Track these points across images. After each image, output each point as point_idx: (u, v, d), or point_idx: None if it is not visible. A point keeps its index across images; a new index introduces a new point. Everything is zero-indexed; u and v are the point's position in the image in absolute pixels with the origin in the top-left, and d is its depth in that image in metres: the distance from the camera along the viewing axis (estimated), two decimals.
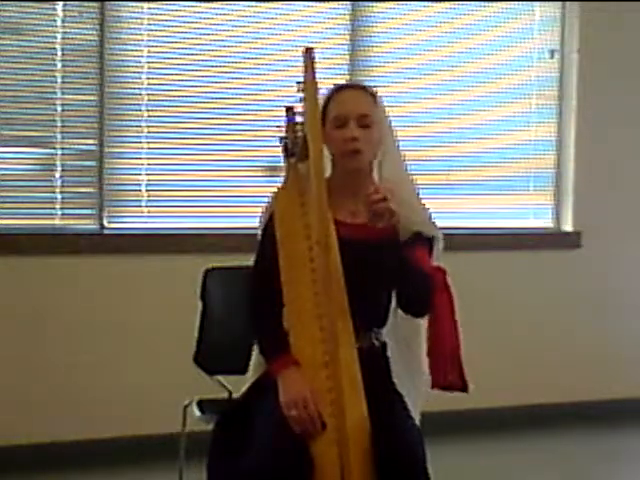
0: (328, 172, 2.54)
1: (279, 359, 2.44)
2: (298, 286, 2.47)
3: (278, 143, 2.56)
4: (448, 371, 2.58)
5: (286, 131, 2.53)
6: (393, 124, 2.60)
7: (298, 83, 2.46)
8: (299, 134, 2.50)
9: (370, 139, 2.50)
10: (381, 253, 2.42)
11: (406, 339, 2.63)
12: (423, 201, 2.59)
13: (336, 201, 2.47)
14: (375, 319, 2.54)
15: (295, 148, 2.52)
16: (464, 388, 2.60)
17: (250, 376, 2.65)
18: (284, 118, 2.53)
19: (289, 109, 2.52)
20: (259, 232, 2.62)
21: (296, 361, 2.42)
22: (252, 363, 2.65)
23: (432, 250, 2.57)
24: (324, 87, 2.53)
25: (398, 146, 2.60)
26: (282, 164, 2.59)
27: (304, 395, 2.36)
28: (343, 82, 2.66)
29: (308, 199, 2.50)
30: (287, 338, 2.46)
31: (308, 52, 2.44)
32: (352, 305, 2.44)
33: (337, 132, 2.48)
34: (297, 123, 2.51)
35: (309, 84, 2.43)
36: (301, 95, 2.47)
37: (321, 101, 2.51)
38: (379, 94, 2.58)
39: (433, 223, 2.58)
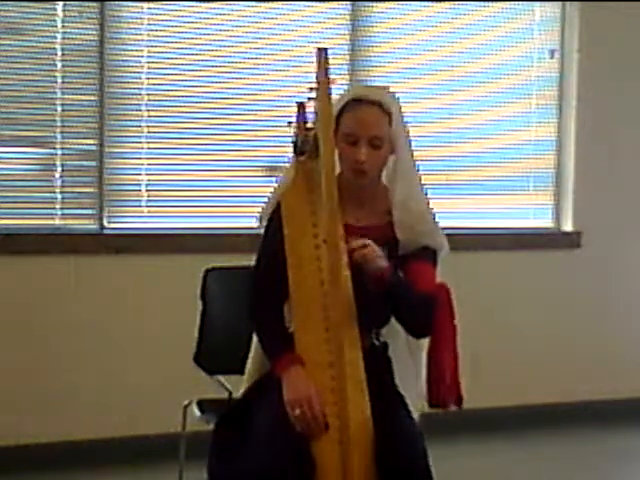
0: (337, 170, 2.52)
1: (283, 358, 2.43)
2: (304, 285, 2.46)
3: (289, 141, 2.54)
4: (447, 395, 2.60)
5: (297, 129, 2.52)
6: (409, 132, 2.59)
7: (310, 82, 2.45)
8: (310, 133, 2.50)
9: (378, 159, 2.51)
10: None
11: (406, 339, 2.63)
12: (435, 214, 2.59)
13: (341, 204, 2.46)
14: (376, 319, 2.54)
15: (305, 146, 2.51)
16: (459, 403, 2.62)
17: (247, 376, 2.64)
18: (294, 115, 2.52)
19: (301, 106, 2.52)
20: (261, 228, 2.61)
21: (300, 360, 2.42)
22: (249, 363, 2.65)
23: (436, 263, 2.57)
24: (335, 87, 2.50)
25: (412, 155, 2.59)
26: (289, 161, 2.59)
27: (308, 394, 2.35)
28: (361, 86, 2.62)
29: (316, 198, 2.50)
30: (291, 336, 2.46)
31: (321, 52, 2.43)
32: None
33: (348, 148, 2.49)
34: (308, 121, 2.51)
35: (322, 83, 2.42)
36: (312, 94, 2.45)
37: (336, 104, 2.49)
38: (397, 104, 2.55)
39: (441, 236, 2.58)
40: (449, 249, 2.60)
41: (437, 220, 2.59)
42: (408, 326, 2.53)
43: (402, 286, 2.46)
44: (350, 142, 2.49)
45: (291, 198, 2.55)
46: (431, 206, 2.60)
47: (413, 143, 2.59)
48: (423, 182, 2.61)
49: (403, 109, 2.57)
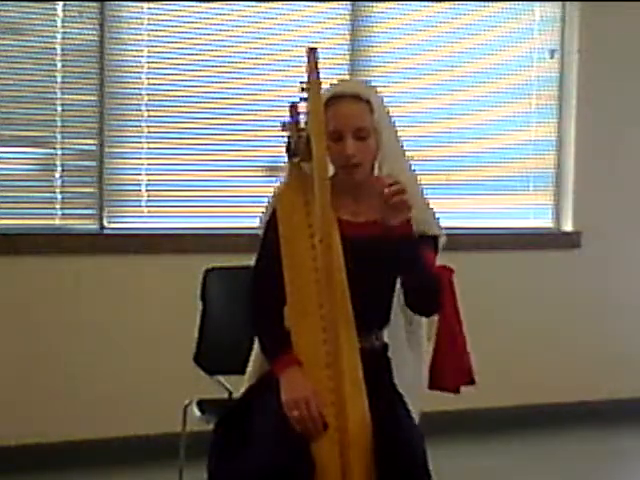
0: (331, 171, 2.53)
1: (281, 358, 2.44)
2: (301, 286, 2.46)
3: (283, 142, 2.55)
4: (459, 371, 2.60)
5: (289, 130, 2.52)
6: (395, 121, 2.58)
7: (301, 83, 2.45)
8: (302, 134, 2.50)
9: (367, 150, 2.49)
10: (382, 252, 2.42)
11: (405, 339, 2.63)
12: (428, 199, 2.58)
13: (338, 200, 2.47)
14: (376, 319, 2.54)
15: (298, 148, 2.52)
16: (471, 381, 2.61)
17: (247, 376, 2.64)
18: (287, 117, 2.52)
19: (293, 107, 2.51)
20: (260, 231, 2.61)
21: (298, 361, 2.42)
22: (250, 362, 2.65)
23: (437, 250, 2.57)
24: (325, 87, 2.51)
25: (401, 144, 2.58)
26: (284, 163, 2.59)
27: (306, 395, 2.35)
28: (337, 82, 2.61)
29: (311, 198, 2.49)
30: (289, 337, 2.45)
31: (311, 52, 2.43)
32: (354, 305, 2.43)
33: (334, 146, 2.47)
34: (300, 122, 2.51)
35: (313, 84, 2.42)
36: (304, 95, 2.46)
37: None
38: (376, 93, 2.54)
39: (437, 222, 2.58)
40: (446, 241, 2.58)
41: (431, 205, 2.56)
42: (417, 299, 2.48)
43: (417, 248, 2.41)
44: (336, 139, 2.47)
45: (286, 200, 2.54)
46: (425, 192, 2.57)
47: (400, 132, 2.58)
48: (415, 170, 2.58)
49: (400, 110, 2.56)
